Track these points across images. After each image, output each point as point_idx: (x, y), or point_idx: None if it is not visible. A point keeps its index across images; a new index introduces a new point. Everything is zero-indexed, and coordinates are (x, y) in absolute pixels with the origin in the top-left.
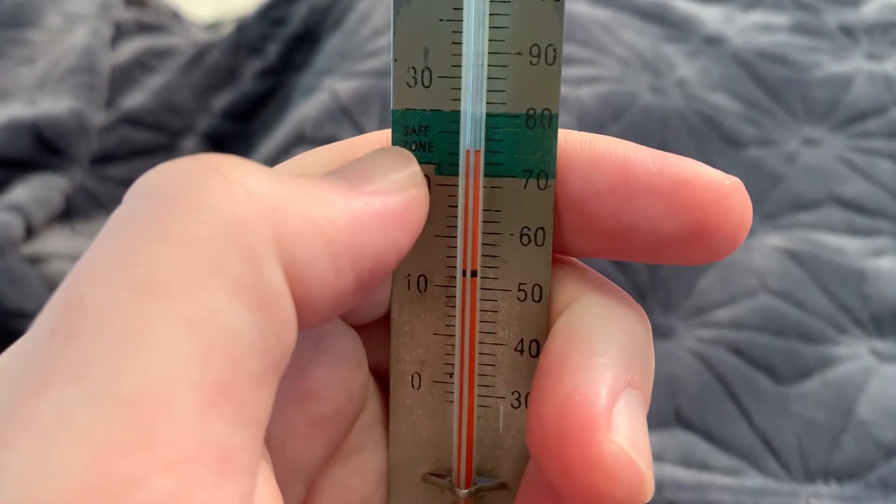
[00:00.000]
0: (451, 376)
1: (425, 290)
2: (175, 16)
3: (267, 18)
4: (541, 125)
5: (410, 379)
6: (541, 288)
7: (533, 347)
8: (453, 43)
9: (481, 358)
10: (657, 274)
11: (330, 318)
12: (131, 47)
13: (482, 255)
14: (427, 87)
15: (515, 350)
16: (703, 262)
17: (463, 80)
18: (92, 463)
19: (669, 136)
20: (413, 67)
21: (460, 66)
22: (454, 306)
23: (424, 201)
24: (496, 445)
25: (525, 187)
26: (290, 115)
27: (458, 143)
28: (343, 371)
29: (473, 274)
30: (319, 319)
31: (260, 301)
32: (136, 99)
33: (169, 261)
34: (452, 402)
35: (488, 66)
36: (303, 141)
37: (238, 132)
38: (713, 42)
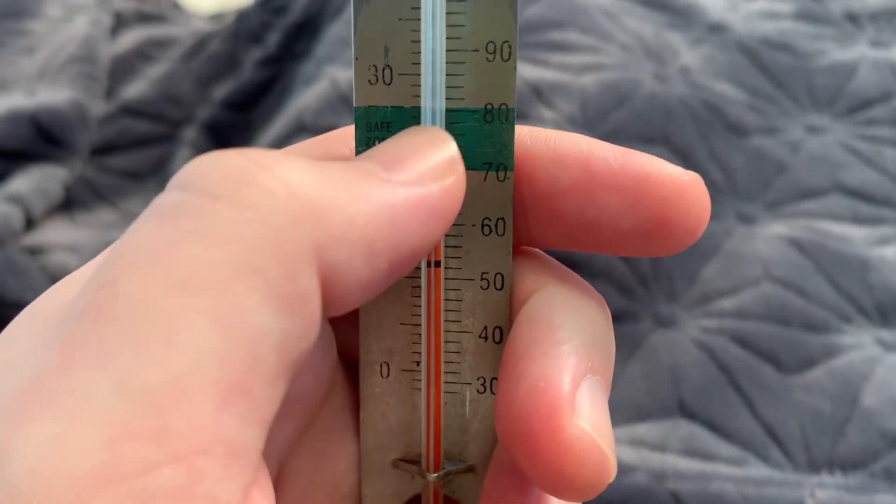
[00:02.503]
0: (418, 364)
1: None
2: (175, 6)
3: (267, 7)
4: (498, 119)
5: (379, 368)
6: (503, 277)
7: (496, 334)
8: (412, 41)
9: (447, 346)
10: (660, 263)
11: (354, 307)
12: (131, 37)
13: (445, 246)
14: (388, 85)
15: (480, 337)
16: (663, 255)
17: (422, 76)
18: (106, 446)
19: (673, 125)
20: (374, 65)
21: (419, 63)
22: (419, 296)
23: (461, 188)
24: (464, 430)
25: (485, 179)
26: (291, 104)
27: None
28: (311, 357)
29: (437, 264)
30: (344, 310)
31: (290, 304)
32: (136, 89)
33: (206, 258)
34: (420, 389)
35: (446, 63)
36: (303, 130)
37: (238, 122)
38: (717, 29)
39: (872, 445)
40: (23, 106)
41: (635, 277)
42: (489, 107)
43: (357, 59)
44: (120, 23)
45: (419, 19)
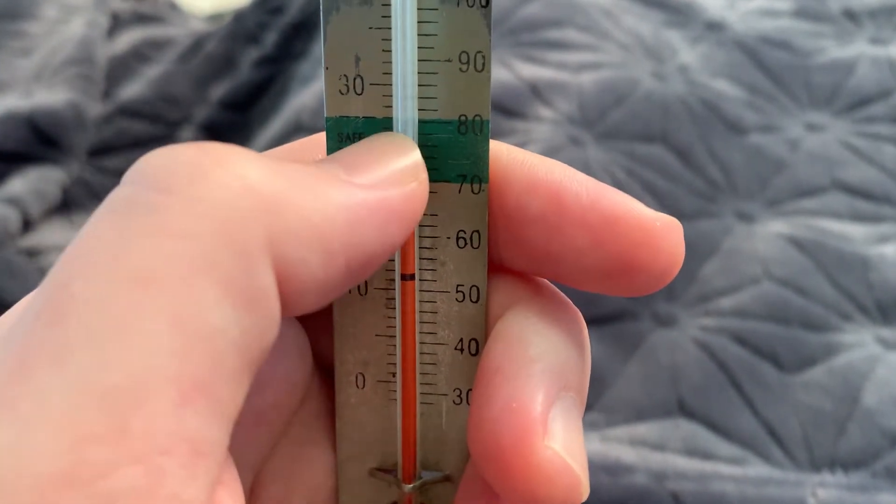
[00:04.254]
0: (394, 376)
1: (366, 294)
2: (172, 6)
3: (264, 7)
4: (472, 131)
5: (355, 379)
6: (478, 289)
7: (472, 346)
8: (384, 50)
9: (423, 357)
10: None
11: (315, 308)
12: (128, 38)
13: (420, 259)
14: (359, 95)
15: (455, 349)
16: (630, 296)
17: (394, 87)
18: (65, 450)
19: (671, 123)
20: (345, 75)
21: (391, 73)
22: (394, 308)
23: (423, 195)
24: (439, 441)
25: (459, 192)
26: (288, 104)
27: None
28: (285, 363)
29: (411, 277)
30: (303, 310)
31: (247, 300)
32: (133, 90)
33: (161, 254)
34: (396, 400)
35: (419, 73)
36: (301, 130)
37: (236, 122)
38: (715, 28)
39: (874, 444)
40: (19, 107)
41: None
42: (463, 118)
43: (327, 68)
44: (117, 24)
45: (390, 28)
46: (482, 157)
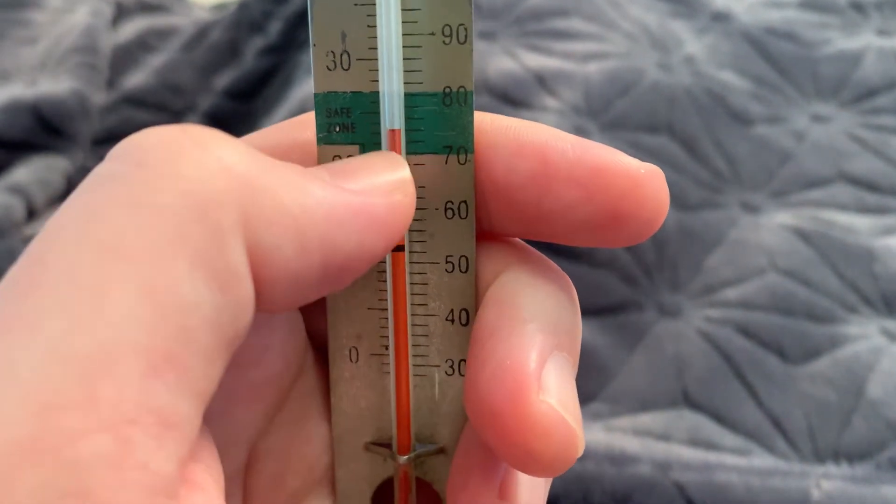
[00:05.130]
0: (386, 349)
1: None
2: None
3: None
4: (457, 102)
5: (348, 353)
6: (467, 259)
7: (463, 316)
8: (369, 26)
9: (414, 329)
10: (664, 253)
11: (290, 306)
12: (132, 27)
13: (409, 230)
14: (346, 70)
15: (447, 320)
16: (620, 246)
17: (380, 61)
18: (33, 416)
19: (677, 114)
20: (332, 51)
21: (376, 48)
22: (385, 281)
23: (409, 210)
24: (433, 412)
25: (446, 163)
26: (293, 93)
27: (379, 123)
28: (279, 337)
29: (401, 249)
30: (279, 306)
31: (219, 278)
32: (137, 79)
33: (133, 226)
34: (389, 373)
35: (403, 46)
36: None
37: (240, 111)
38: (721, 18)
39: (878, 436)
40: (24, 96)
41: (639, 267)
42: (447, 90)
43: (315, 45)
44: (121, 13)
45: (374, 3)
46: (467, 127)
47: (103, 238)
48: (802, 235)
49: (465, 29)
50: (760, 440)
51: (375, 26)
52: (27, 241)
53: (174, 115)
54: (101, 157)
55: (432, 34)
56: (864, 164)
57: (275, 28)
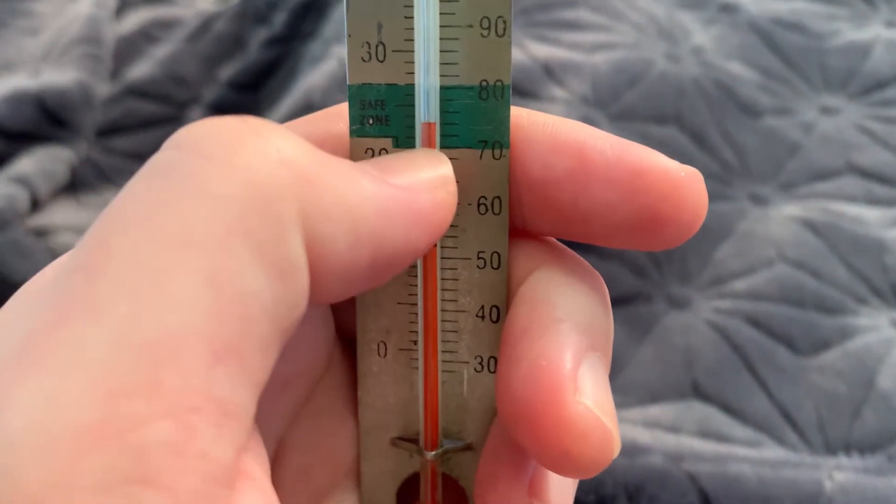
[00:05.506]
0: (415, 344)
1: None
2: None
3: None
4: (494, 96)
5: (377, 347)
6: (499, 255)
7: (493, 313)
8: (405, 17)
9: (444, 325)
10: None
11: (337, 299)
12: (136, 18)
13: None
14: (382, 62)
15: (477, 316)
16: (657, 249)
17: (416, 53)
18: (99, 401)
19: (685, 105)
20: (367, 42)
21: (413, 40)
22: (416, 276)
23: (451, 206)
24: (461, 409)
25: (481, 158)
26: (298, 84)
27: (414, 117)
28: (308, 330)
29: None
30: (327, 298)
31: (279, 269)
32: (141, 70)
33: (198, 215)
34: (418, 368)
35: (440, 39)
36: (311, 110)
37: (245, 102)
38: (729, 9)
39: (889, 428)
40: (27, 87)
41: (648, 259)
42: (484, 83)
43: (350, 35)
44: (125, 3)
45: None
46: (504, 122)
47: (168, 226)
48: (811, 227)
49: (504, 21)
50: (770, 432)
51: (412, 17)
52: (31, 232)
53: (178, 107)
54: (104, 148)
55: (470, 26)
56: (873, 156)
57: (279, 19)
